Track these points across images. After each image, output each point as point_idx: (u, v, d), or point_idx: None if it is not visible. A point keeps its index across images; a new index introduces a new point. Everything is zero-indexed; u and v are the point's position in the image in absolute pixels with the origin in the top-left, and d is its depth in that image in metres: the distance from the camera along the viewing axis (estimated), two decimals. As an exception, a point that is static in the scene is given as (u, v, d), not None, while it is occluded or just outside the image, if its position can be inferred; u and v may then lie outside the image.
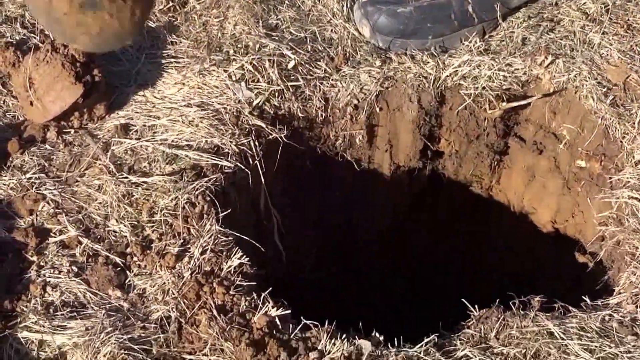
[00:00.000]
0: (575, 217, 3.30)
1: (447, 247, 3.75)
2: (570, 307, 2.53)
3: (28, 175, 2.74)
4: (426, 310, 3.48)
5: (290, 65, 3.07)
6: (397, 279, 3.77)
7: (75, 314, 2.42)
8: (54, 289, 2.48)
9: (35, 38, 3.10)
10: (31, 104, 2.84)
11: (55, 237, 2.60)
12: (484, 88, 3.09)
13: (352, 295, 3.62)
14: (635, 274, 2.59)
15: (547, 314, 2.49)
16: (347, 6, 3.28)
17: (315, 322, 2.43)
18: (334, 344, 2.38)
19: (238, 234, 2.64)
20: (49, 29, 2.26)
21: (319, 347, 2.38)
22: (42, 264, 2.53)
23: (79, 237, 2.59)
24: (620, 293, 2.58)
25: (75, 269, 2.52)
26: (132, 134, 2.87)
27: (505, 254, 3.63)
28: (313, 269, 3.38)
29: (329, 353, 2.37)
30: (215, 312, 2.40)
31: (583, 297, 2.58)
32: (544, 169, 3.33)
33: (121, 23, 2.05)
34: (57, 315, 2.42)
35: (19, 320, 2.40)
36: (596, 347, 2.41)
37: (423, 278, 3.81)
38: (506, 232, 3.63)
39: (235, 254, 2.56)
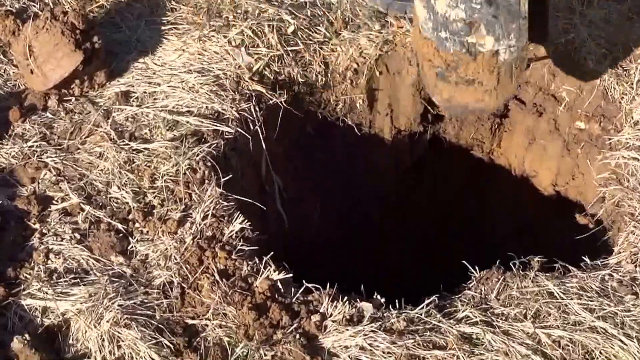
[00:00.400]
0: (575, 179, 3.29)
1: (449, 210, 3.74)
2: (570, 267, 2.53)
3: (29, 144, 2.73)
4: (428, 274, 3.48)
5: (289, 30, 3.06)
6: (399, 243, 3.76)
7: (78, 280, 2.42)
8: (57, 256, 2.47)
9: (34, 6, 3.08)
10: (32, 72, 2.83)
11: (57, 204, 2.59)
12: (483, 50, 3.07)
13: (354, 258, 3.61)
14: (634, 234, 2.59)
15: (547, 274, 2.49)
16: (345, -30, 3.25)
17: (317, 285, 2.43)
18: (336, 307, 2.38)
19: (240, 198, 2.63)
20: (422, 79, 2.77)
21: (320, 310, 2.38)
22: (44, 231, 2.53)
23: (81, 204, 2.58)
24: (619, 253, 2.57)
25: (78, 236, 2.52)
26: (133, 101, 2.86)
27: (507, 217, 3.62)
28: (315, 233, 3.37)
29: (330, 316, 2.37)
30: (217, 277, 2.40)
31: (583, 257, 2.58)
32: (544, 131, 3.32)
33: (464, 100, 2.61)
34: (60, 282, 2.42)
35: (22, 287, 2.40)
36: (596, 306, 2.41)
37: (425, 241, 3.80)
38: (507, 196, 3.62)
39: (236, 218, 2.56)
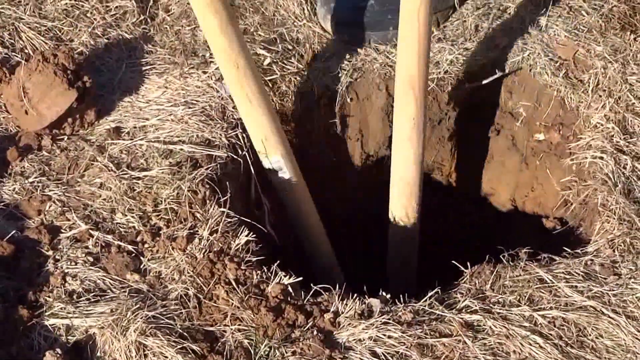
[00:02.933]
0: (534, 191, 3.44)
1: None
2: (554, 257, 2.67)
3: (30, 180, 2.79)
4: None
5: (265, 63, 3.18)
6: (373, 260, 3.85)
7: (98, 298, 2.49)
8: (74, 279, 2.54)
9: (17, 56, 3.15)
10: (26, 112, 2.90)
11: (66, 232, 2.66)
12: (446, 72, 3.24)
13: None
14: (609, 222, 2.74)
15: (535, 263, 2.63)
16: (307, 8, 3.40)
17: (327, 286, 2.53)
18: (346, 304, 2.49)
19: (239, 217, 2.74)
20: None
21: (332, 309, 2.48)
22: (57, 257, 2.59)
23: (90, 231, 2.65)
24: (597, 241, 2.72)
25: (91, 259, 2.59)
26: (125, 135, 2.95)
27: (472, 232, 3.75)
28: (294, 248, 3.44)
29: (342, 313, 2.47)
30: (233, 284, 2.49)
31: (564, 247, 2.73)
32: (502, 148, 3.48)
33: None
34: (82, 300, 2.48)
35: (44, 309, 2.46)
36: (584, 288, 2.56)
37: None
38: (469, 214, 3.75)
39: (241, 232, 2.66)
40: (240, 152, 2.96)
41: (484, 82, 3.26)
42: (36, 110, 2.89)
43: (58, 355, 2.31)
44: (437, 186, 3.75)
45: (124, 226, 2.68)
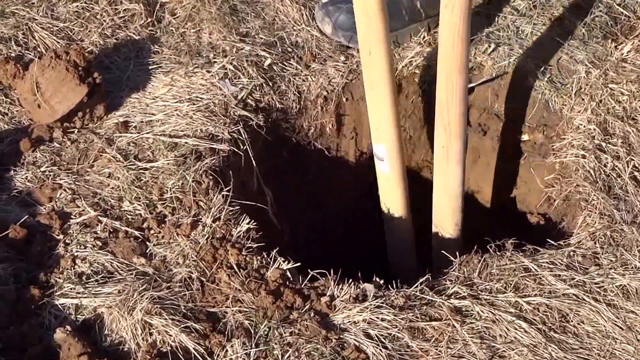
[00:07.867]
0: (519, 189, 3.45)
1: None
2: (538, 248, 2.68)
3: (42, 169, 2.79)
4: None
5: (266, 64, 3.18)
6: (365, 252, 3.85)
7: (106, 280, 2.49)
8: (83, 261, 2.53)
9: (30, 54, 3.14)
10: (39, 106, 2.89)
11: (76, 218, 2.65)
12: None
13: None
14: (590, 216, 2.75)
15: (521, 253, 2.64)
16: (306, 13, 3.40)
17: (324, 271, 2.53)
18: (342, 289, 2.49)
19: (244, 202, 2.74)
20: None
21: (328, 293, 2.48)
22: (67, 241, 2.59)
23: (99, 217, 2.65)
24: (579, 233, 2.73)
25: (100, 244, 2.58)
26: (132, 129, 2.94)
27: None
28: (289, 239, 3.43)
29: (338, 297, 2.47)
30: (235, 269, 2.49)
31: (547, 240, 2.73)
32: (487, 148, 3.48)
33: None
34: (90, 282, 2.48)
35: (55, 289, 2.45)
36: (566, 276, 2.57)
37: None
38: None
39: (243, 220, 2.66)
40: (241, 147, 2.96)
41: (472, 85, 3.26)
42: (48, 104, 2.88)
43: (68, 332, 2.30)
44: (426, 183, 3.73)
45: (131, 213, 2.68)
